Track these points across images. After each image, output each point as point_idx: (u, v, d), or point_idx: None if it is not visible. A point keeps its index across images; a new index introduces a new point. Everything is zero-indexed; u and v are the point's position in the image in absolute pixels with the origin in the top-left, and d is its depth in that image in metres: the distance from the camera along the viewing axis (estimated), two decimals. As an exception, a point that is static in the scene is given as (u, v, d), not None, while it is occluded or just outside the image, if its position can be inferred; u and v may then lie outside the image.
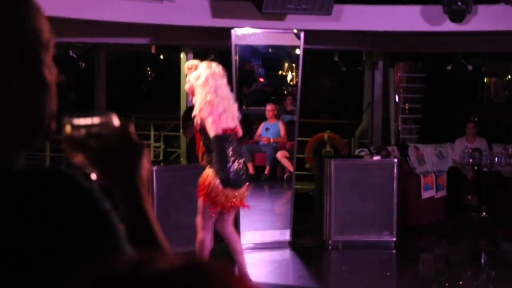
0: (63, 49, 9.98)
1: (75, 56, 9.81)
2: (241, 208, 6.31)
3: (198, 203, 6.20)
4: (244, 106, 9.25)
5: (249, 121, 10.04)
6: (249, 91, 10.24)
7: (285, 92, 12.16)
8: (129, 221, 1.23)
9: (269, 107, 10.01)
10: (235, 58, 8.30)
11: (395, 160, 8.47)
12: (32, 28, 1.13)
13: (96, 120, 1.27)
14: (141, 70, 19.01)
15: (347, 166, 8.32)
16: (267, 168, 9.81)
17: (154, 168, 7.39)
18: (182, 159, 10.52)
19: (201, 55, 10.95)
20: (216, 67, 6.04)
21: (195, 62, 6.19)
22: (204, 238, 6.29)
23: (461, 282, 6.91)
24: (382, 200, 8.17)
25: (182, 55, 10.47)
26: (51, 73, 1.16)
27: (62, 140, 1.25)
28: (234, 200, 5.98)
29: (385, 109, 11.84)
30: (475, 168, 10.14)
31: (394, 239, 8.16)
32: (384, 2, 9.12)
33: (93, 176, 1.23)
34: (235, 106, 6.15)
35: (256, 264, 7.73)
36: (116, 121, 1.28)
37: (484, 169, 9.98)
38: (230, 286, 0.79)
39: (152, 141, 13.79)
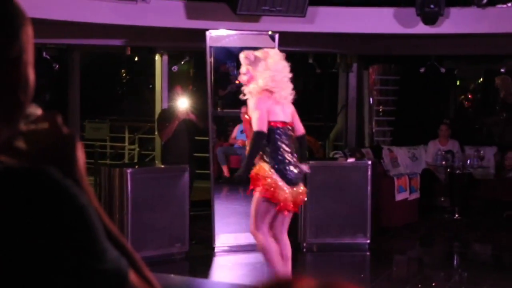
0: (37, 50, 9.89)
1: (48, 57, 9.72)
2: (291, 211, 5.79)
3: (253, 202, 5.73)
4: (219, 108, 9.24)
5: (224, 123, 10.03)
6: (224, 93, 10.23)
7: (260, 94, 12.15)
8: None
9: (244, 109, 9.99)
10: (209, 60, 8.29)
11: (369, 163, 8.52)
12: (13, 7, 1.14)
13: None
14: (116, 72, 18.92)
15: (321, 168, 8.35)
16: (242, 170, 9.80)
17: (129, 170, 7.36)
18: (157, 161, 10.48)
19: (176, 57, 10.94)
20: (275, 54, 5.79)
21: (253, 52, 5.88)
22: (265, 241, 5.75)
23: (434, 284, 6.97)
24: (356, 202, 8.21)
25: (157, 57, 10.44)
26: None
27: None
28: (292, 199, 5.58)
29: (359, 112, 11.90)
30: (448, 170, 10.23)
31: (368, 241, 8.20)
32: (358, 5, 9.17)
33: None
34: (291, 93, 5.82)
35: (231, 267, 7.74)
36: (39, 113, 1.16)
37: (457, 171, 10.08)
38: None
39: (126, 143, 13.73)
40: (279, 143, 5.63)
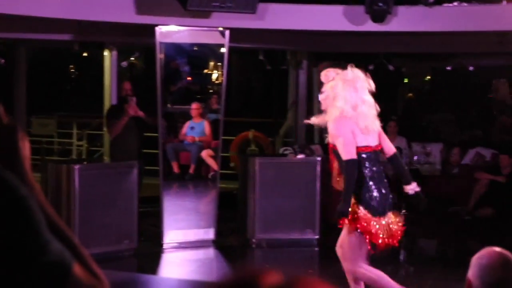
0: (-18, 44, 9.73)
1: (-6, 52, 9.54)
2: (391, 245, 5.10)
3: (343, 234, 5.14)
4: (169, 105, 9.20)
5: (174, 120, 9.99)
6: (174, 89, 10.19)
7: (211, 90, 12.14)
8: None
9: (194, 105, 9.98)
10: (159, 56, 8.24)
11: (319, 159, 8.58)
12: None
13: None
14: (64, 67, 18.67)
15: (271, 164, 8.38)
16: (192, 167, 9.78)
17: (77, 166, 7.27)
18: (105, 157, 10.38)
19: (125, 52, 10.84)
20: (351, 72, 5.16)
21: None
22: (370, 273, 5.13)
23: (381, 278, 7.04)
24: (305, 198, 8.26)
25: (106, 53, 10.32)
26: None
27: None
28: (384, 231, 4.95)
29: (309, 108, 11.97)
30: (396, 166, 10.36)
31: (317, 236, 8.26)
32: (308, 2, 9.22)
33: None
34: (375, 118, 5.06)
35: (180, 263, 7.72)
36: None
37: (404, 168, 10.21)
38: None
39: (75, 139, 13.56)
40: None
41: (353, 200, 4.96)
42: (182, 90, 10.44)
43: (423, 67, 12.45)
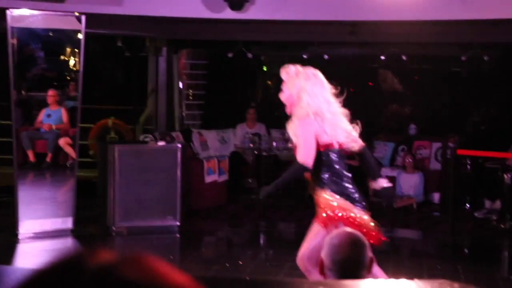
0: None
1: None
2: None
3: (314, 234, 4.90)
4: (23, 92, 8.89)
5: (30, 107, 9.68)
6: (29, 75, 9.85)
7: (68, 77, 11.81)
8: None
9: (50, 92, 9.71)
10: (12, 41, 7.94)
11: (179, 146, 8.59)
12: None
13: None
14: None
15: (131, 152, 8.31)
16: (49, 155, 9.52)
17: None
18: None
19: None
20: (305, 69, 4.86)
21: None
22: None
23: (240, 262, 7.18)
24: (166, 185, 8.26)
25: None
26: None
27: None
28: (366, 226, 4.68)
29: (170, 95, 11.94)
30: (255, 152, 10.56)
31: (178, 223, 8.29)
32: (166, -11, 9.17)
33: None
34: (341, 117, 4.79)
35: (36, 254, 7.51)
36: None
37: (264, 153, 10.42)
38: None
39: None
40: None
41: (330, 196, 4.81)
42: (37, 77, 10.11)
43: (281, 56, 12.69)
